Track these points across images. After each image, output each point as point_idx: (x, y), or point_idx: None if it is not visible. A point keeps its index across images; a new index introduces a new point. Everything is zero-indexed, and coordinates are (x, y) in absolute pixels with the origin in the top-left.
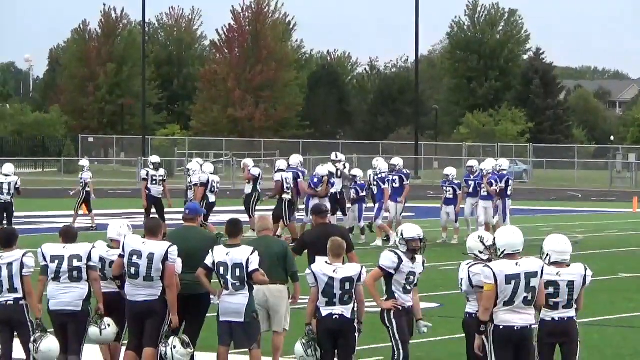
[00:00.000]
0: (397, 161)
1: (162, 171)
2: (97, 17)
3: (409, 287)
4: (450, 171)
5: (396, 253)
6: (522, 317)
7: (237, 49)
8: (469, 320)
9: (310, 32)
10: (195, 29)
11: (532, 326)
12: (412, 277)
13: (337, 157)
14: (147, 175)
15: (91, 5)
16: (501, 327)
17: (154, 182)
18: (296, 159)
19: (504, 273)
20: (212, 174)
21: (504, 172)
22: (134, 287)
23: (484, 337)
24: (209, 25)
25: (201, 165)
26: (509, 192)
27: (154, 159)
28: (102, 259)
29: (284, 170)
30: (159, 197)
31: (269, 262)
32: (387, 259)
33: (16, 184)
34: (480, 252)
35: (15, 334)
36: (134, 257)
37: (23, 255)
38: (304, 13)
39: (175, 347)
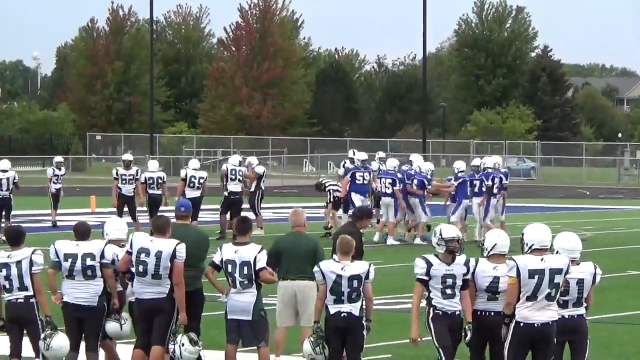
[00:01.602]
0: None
1: (133, 169)
2: (105, 15)
3: (449, 292)
4: (460, 165)
5: (423, 258)
6: (544, 314)
7: (245, 46)
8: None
9: (318, 29)
10: (202, 27)
11: (553, 322)
12: (450, 280)
13: (354, 155)
14: (117, 174)
15: (99, 3)
16: (522, 324)
17: (124, 181)
18: (361, 156)
19: (528, 267)
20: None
21: (489, 171)
22: (142, 285)
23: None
24: (217, 23)
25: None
26: (494, 191)
27: (126, 157)
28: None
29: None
30: (130, 195)
31: (298, 258)
32: (416, 267)
33: (14, 179)
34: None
35: (25, 332)
36: (142, 255)
37: (32, 253)
38: (312, 10)
39: (183, 344)
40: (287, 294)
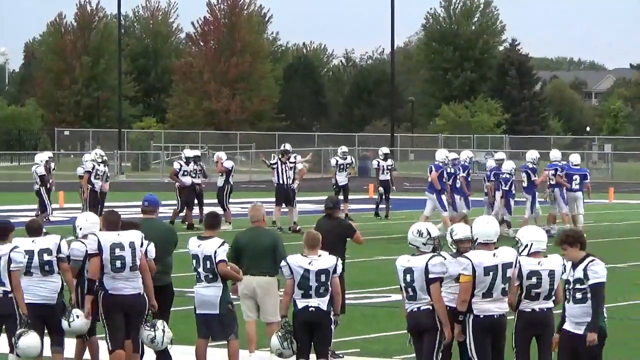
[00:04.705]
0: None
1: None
2: (73, 10)
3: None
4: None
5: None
6: (500, 306)
7: (213, 41)
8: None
9: (286, 24)
10: (171, 22)
11: (506, 313)
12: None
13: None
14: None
15: None
16: (481, 316)
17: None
18: (442, 153)
19: (483, 265)
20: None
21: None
22: (120, 281)
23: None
24: (185, 17)
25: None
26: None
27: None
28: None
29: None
30: (98, 191)
31: (258, 253)
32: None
33: None
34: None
35: (4, 327)
36: (117, 250)
37: (11, 251)
38: (280, 5)
39: (164, 331)
40: (247, 288)
